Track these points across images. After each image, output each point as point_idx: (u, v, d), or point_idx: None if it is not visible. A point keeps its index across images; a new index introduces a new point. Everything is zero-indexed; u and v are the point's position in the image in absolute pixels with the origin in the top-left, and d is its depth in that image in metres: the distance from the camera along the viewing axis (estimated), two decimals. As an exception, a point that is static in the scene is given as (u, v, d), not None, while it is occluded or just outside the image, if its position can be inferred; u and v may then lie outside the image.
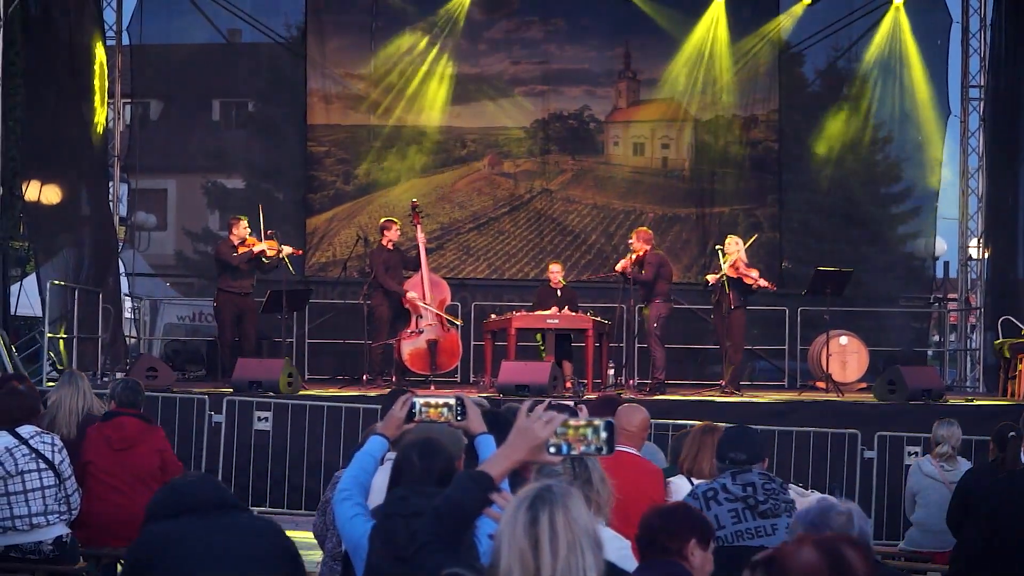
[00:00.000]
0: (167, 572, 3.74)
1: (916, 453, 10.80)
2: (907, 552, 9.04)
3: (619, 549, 4.29)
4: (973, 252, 16.62)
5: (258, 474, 11.46)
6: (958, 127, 16.59)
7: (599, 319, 13.30)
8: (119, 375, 13.05)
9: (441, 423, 4.20)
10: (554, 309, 13.11)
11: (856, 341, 14.53)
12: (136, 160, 16.68)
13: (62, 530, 7.13)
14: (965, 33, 16.55)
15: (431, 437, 4.22)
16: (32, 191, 13.90)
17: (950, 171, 17.05)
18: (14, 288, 14.44)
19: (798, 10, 16.62)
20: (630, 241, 13.24)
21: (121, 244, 16.36)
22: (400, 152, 16.73)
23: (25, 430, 7.05)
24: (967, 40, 16.53)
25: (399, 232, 13.66)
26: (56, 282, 13.53)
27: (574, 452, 3.28)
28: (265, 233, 13.38)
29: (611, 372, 13.39)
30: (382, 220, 14.02)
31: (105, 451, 7.54)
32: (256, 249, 13.18)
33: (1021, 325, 13.93)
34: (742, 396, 12.95)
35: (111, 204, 16.04)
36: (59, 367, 12.98)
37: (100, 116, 15.34)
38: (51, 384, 10.39)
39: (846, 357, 14.35)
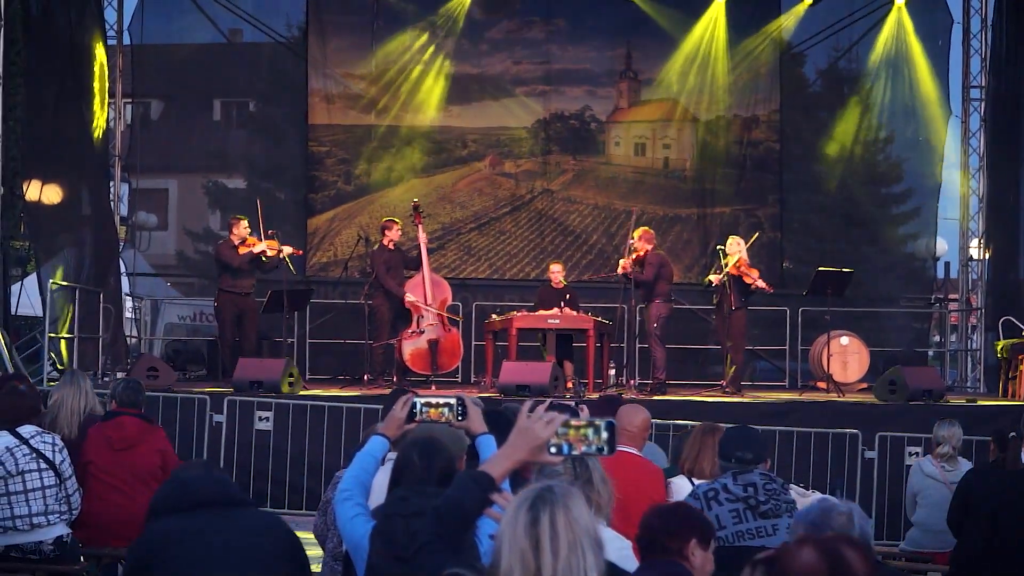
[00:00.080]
0: (168, 571, 3.72)
1: (917, 453, 10.80)
2: (908, 552, 9.03)
3: (620, 549, 4.29)
4: (974, 252, 16.61)
5: (259, 474, 11.45)
6: (959, 127, 16.58)
7: (600, 319, 13.28)
8: (120, 375, 13.07)
9: (442, 423, 4.21)
10: (555, 309, 13.11)
11: (857, 341, 14.53)
12: (137, 160, 16.66)
13: (63, 530, 7.12)
14: (966, 34, 16.54)
15: (432, 437, 4.21)
16: (33, 191, 13.87)
17: (951, 172, 17.05)
18: (14, 288, 14.42)
19: (799, 10, 16.63)
20: (631, 241, 13.23)
21: (122, 244, 16.34)
22: (401, 152, 16.73)
23: (26, 430, 7.04)
24: (968, 41, 16.52)
25: (400, 232, 13.66)
26: (56, 282, 13.51)
27: (575, 452, 3.28)
28: (266, 233, 13.37)
29: (612, 372, 13.39)
30: (383, 220, 14.04)
31: (106, 451, 7.53)
32: (256, 249, 13.16)
33: (1022, 326, 13.92)
34: (743, 396, 12.94)
35: (112, 204, 16.02)
36: (59, 367, 12.98)
37: (101, 116, 15.32)
38: (51, 384, 10.39)
39: (847, 357, 14.35)
